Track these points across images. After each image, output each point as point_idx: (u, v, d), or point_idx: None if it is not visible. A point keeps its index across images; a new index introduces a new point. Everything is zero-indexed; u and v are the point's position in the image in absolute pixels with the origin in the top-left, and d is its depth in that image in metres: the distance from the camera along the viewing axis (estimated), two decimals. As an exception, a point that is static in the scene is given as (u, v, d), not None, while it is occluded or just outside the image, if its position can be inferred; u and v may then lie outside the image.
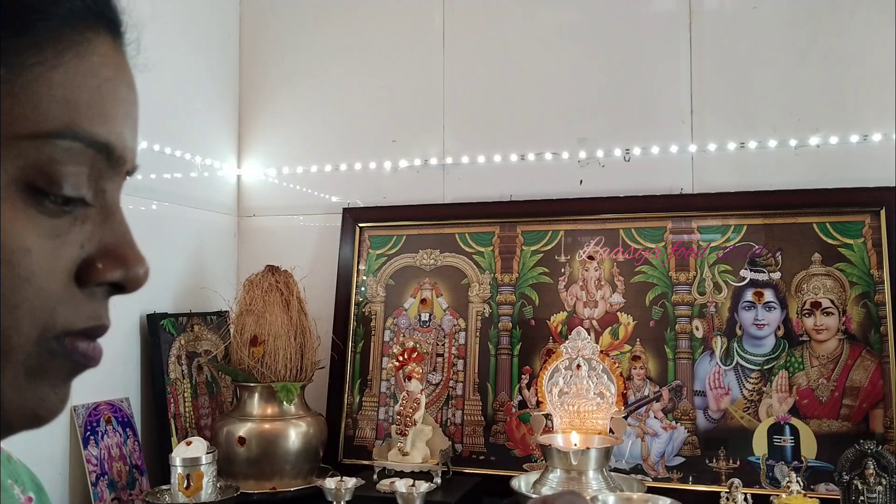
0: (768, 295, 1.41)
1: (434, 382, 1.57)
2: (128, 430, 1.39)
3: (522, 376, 1.52)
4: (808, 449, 1.33)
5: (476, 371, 1.55)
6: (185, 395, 1.51)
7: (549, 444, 1.27)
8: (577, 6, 1.62)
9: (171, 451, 1.34)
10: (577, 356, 1.36)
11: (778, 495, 1.19)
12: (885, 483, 1.13)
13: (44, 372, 0.38)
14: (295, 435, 1.44)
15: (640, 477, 1.36)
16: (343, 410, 1.60)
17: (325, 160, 1.77)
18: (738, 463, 1.36)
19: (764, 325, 1.40)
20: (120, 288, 0.41)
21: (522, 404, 1.50)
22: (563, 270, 1.54)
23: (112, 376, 1.41)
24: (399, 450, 1.43)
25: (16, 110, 0.35)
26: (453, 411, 1.54)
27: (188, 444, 1.32)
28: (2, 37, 0.34)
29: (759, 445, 1.36)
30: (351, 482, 1.30)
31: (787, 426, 1.36)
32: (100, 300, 0.40)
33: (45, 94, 0.35)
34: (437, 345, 1.59)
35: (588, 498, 1.16)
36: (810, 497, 1.17)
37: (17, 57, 0.35)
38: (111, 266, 0.39)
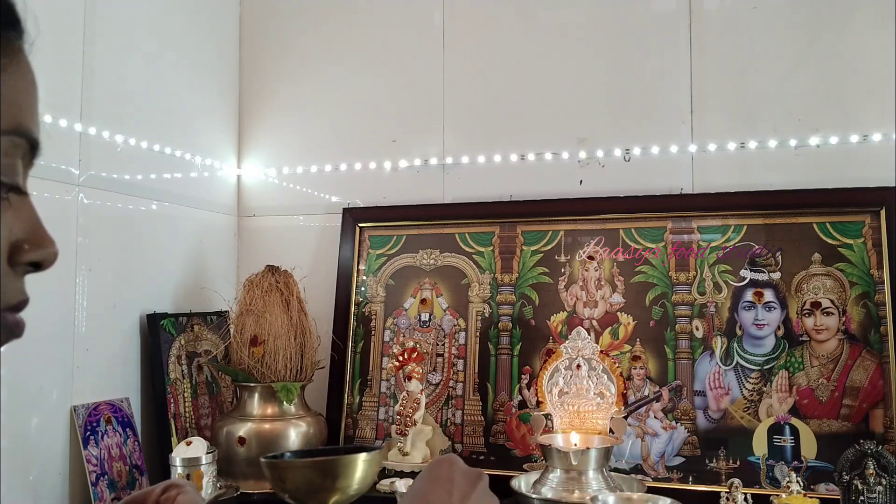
0: (768, 295, 1.41)
1: (434, 382, 1.57)
2: (128, 430, 1.39)
3: (522, 376, 1.52)
4: (808, 449, 1.33)
5: (476, 371, 1.55)
6: (185, 395, 1.51)
7: (549, 444, 1.27)
8: (577, 6, 1.63)
9: (171, 451, 1.35)
10: (577, 356, 1.36)
11: (778, 495, 1.19)
12: (885, 483, 1.13)
13: None
14: (295, 435, 1.44)
15: (640, 477, 1.36)
16: (343, 410, 1.60)
17: (325, 160, 1.77)
18: (738, 463, 1.36)
19: (764, 325, 1.40)
20: (37, 266, 0.45)
21: (522, 404, 1.50)
22: (563, 270, 1.54)
23: (112, 376, 1.41)
24: (399, 450, 1.43)
25: None
26: (453, 411, 1.54)
27: (188, 444, 1.33)
28: None
29: (759, 445, 1.36)
30: (351, 482, 1.30)
31: (787, 426, 1.36)
32: (21, 277, 0.45)
33: (2, 97, 0.41)
34: (437, 345, 1.59)
35: (589, 497, 1.16)
36: (810, 497, 1.17)
37: None
38: (35, 247, 0.44)
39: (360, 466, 0.77)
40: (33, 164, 0.46)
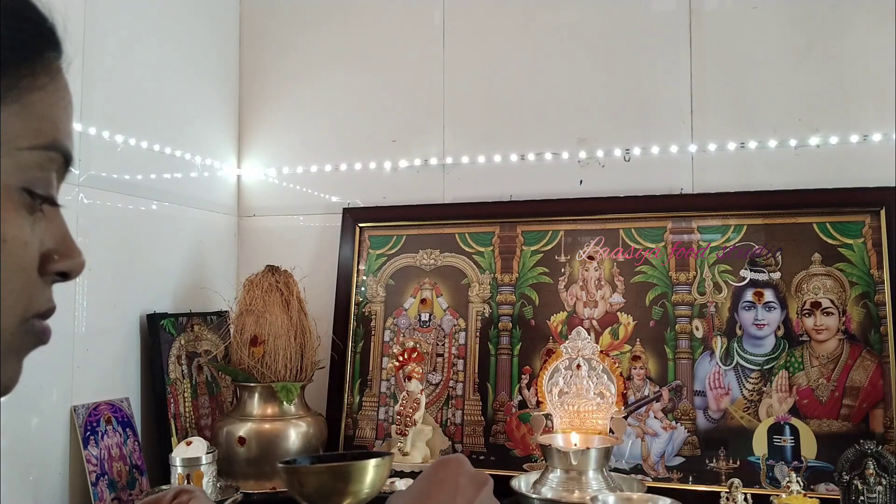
0: (768, 295, 1.41)
1: (434, 382, 1.57)
2: (128, 430, 1.39)
3: (522, 376, 1.52)
4: (808, 449, 1.33)
5: (476, 371, 1.55)
6: (185, 395, 1.51)
7: (549, 444, 1.27)
8: (577, 6, 1.63)
9: (171, 451, 1.35)
10: (577, 356, 1.36)
11: (778, 495, 1.19)
12: (885, 483, 1.13)
13: (20, 349, 0.45)
14: (295, 435, 1.44)
15: (640, 477, 1.36)
16: (343, 410, 1.60)
17: (325, 160, 1.77)
18: (738, 463, 1.36)
19: (764, 325, 1.40)
20: (64, 276, 0.47)
21: (522, 404, 1.50)
22: (563, 270, 1.54)
23: (112, 376, 1.41)
24: (399, 450, 1.43)
25: (21, 127, 0.43)
26: (453, 411, 1.54)
27: (188, 444, 1.32)
28: (10, 68, 0.42)
29: (759, 445, 1.36)
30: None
31: (787, 426, 1.36)
32: (49, 286, 0.47)
33: (39, 114, 0.44)
34: (437, 345, 1.59)
35: (590, 499, 1.16)
36: (810, 497, 1.17)
37: (20, 82, 0.43)
38: (63, 257, 0.46)
39: (372, 472, 0.81)
40: (65, 178, 0.48)
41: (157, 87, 1.56)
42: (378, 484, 0.83)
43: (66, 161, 0.46)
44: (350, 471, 0.81)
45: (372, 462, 0.82)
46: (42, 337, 0.46)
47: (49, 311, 0.47)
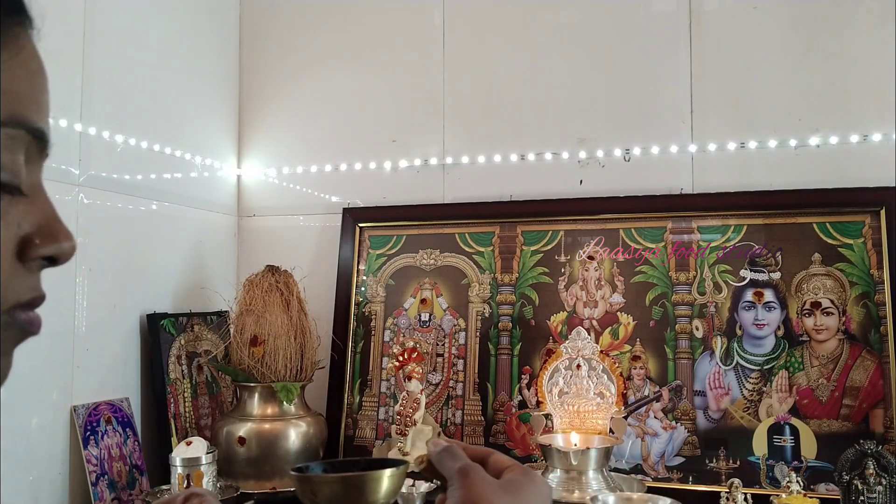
0: (768, 295, 1.41)
1: (434, 382, 1.57)
2: (128, 430, 1.39)
3: (522, 376, 1.52)
4: (808, 449, 1.33)
5: (476, 371, 1.55)
6: (185, 395, 1.51)
7: (549, 444, 1.27)
8: (577, 6, 1.63)
9: (171, 451, 1.35)
10: (577, 356, 1.36)
11: (778, 495, 1.19)
12: (885, 483, 1.13)
13: (4, 342, 0.42)
14: (295, 435, 1.44)
15: (640, 477, 1.36)
16: (343, 410, 1.60)
17: (325, 160, 1.77)
18: (738, 463, 1.36)
19: (764, 325, 1.40)
20: (52, 261, 0.43)
21: (522, 404, 1.50)
22: (563, 270, 1.54)
23: (112, 376, 1.41)
24: (399, 450, 1.43)
25: None
26: (453, 411, 1.54)
27: (188, 444, 1.32)
28: None
29: (759, 445, 1.36)
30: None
31: (787, 426, 1.36)
32: (35, 273, 0.43)
33: None
34: (437, 345, 1.59)
35: (589, 499, 1.16)
36: (810, 497, 1.17)
37: None
38: (46, 242, 0.42)
39: (387, 482, 0.81)
40: (47, 155, 0.44)
41: (157, 87, 1.56)
42: (393, 494, 0.83)
43: (36, 139, 0.41)
44: (365, 481, 0.81)
45: (387, 472, 0.82)
46: (29, 328, 0.43)
47: (35, 301, 0.43)
